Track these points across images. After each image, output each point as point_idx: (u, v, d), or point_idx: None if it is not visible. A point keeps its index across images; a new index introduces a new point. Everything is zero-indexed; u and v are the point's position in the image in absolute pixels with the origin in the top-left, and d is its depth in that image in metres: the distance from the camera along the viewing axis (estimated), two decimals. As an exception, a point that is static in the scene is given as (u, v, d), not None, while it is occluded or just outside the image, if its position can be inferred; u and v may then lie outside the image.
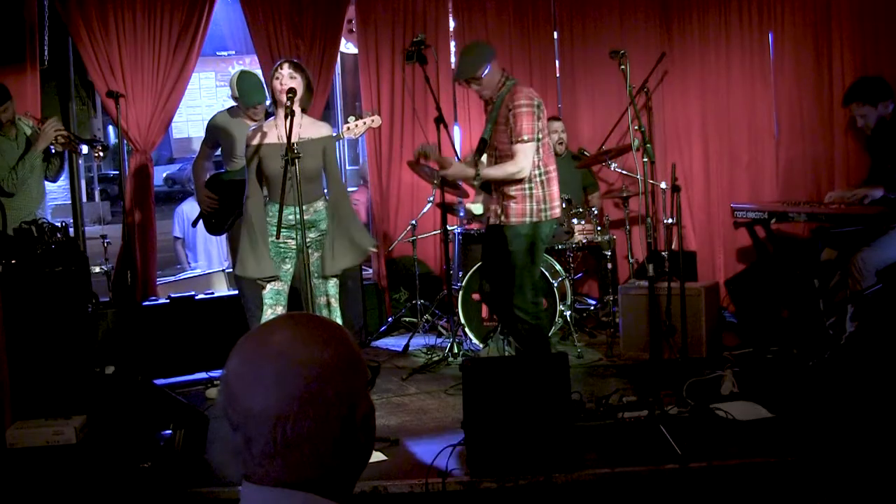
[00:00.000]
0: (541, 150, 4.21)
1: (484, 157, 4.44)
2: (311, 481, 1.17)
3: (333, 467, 1.19)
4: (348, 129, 4.41)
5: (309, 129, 4.07)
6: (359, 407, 1.21)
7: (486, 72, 4.19)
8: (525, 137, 4.09)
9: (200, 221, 5.32)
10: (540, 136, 4.18)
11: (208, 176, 5.19)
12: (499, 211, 4.28)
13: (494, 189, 4.32)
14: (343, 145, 5.93)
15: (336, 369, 1.19)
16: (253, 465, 1.17)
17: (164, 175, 19.43)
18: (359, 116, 4.53)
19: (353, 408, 1.20)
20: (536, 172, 4.20)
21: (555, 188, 4.27)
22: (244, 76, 5.07)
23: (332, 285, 4.17)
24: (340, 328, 1.26)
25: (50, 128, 4.96)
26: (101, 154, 5.15)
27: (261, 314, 4.16)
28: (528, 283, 4.26)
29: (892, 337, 4.50)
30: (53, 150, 5.13)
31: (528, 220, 4.20)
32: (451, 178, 4.47)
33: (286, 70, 4.02)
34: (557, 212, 4.31)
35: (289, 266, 4.17)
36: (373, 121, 4.47)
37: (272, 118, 4.19)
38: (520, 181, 4.17)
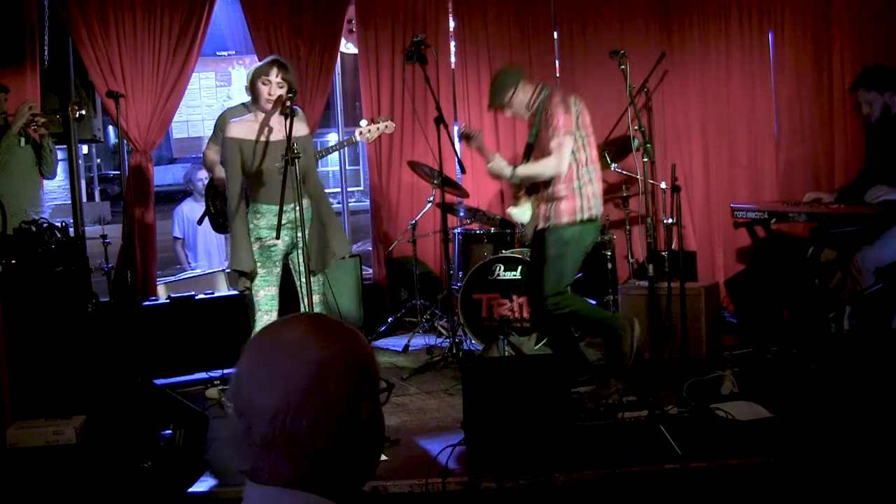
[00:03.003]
0: (587, 148, 4.28)
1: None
2: (312, 479, 1.18)
3: (333, 466, 1.19)
4: (361, 133, 4.41)
5: (279, 129, 4.03)
6: (363, 408, 1.21)
7: (512, 97, 4.34)
8: (561, 131, 4.17)
9: (206, 220, 5.31)
10: (584, 132, 4.26)
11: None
12: (548, 213, 4.33)
13: (543, 193, 4.38)
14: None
15: (339, 367, 1.20)
16: (253, 456, 1.18)
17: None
18: (371, 121, 4.52)
19: (355, 407, 1.20)
20: (585, 169, 4.28)
21: (600, 185, 4.36)
22: None
23: (318, 284, 4.19)
24: (353, 331, 1.27)
25: (23, 107, 4.97)
26: (83, 112, 5.16)
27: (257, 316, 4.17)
28: (559, 283, 4.31)
29: (890, 336, 4.50)
30: (38, 136, 5.12)
31: (578, 217, 4.26)
32: (490, 171, 4.53)
33: (276, 77, 3.97)
34: (601, 209, 4.38)
35: (278, 269, 4.16)
36: (387, 126, 4.46)
37: (249, 115, 4.18)
38: (567, 180, 4.24)
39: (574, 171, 4.25)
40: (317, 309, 4.08)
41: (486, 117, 6.67)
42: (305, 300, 4.04)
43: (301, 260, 3.97)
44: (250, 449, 1.18)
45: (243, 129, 4.05)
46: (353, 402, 1.20)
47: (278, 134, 4.02)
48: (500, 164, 4.38)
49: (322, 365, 1.19)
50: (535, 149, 4.41)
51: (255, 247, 4.10)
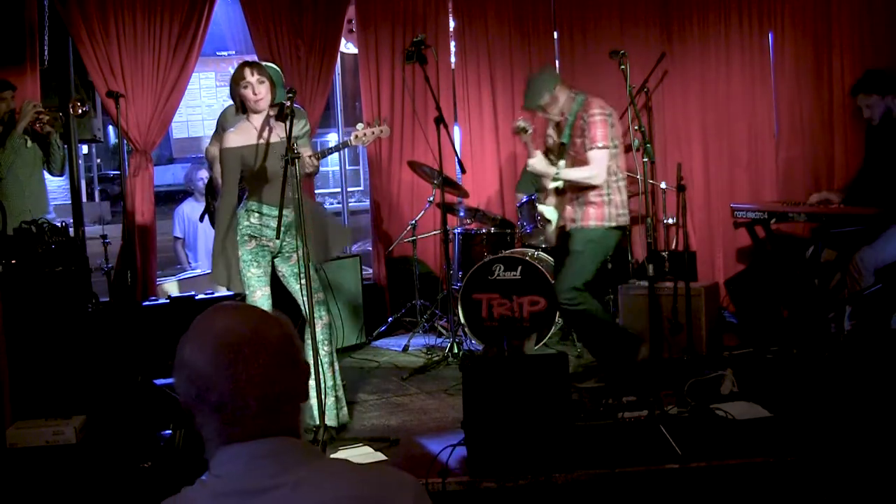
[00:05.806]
0: (618, 157, 4.45)
1: (562, 163, 4.60)
2: (268, 427, 1.35)
3: (281, 408, 1.37)
4: (356, 137, 4.40)
5: (277, 129, 4.00)
6: (300, 357, 1.40)
7: (547, 100, 4.44)
8: (599, 144, 4.34)
9: (206, 217, 5.31)
10: (616, 142, 4.41)
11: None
12: (574, 216, 4.50)
13: (571, 195, 4.53)
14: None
15: (273, 323, 1.39)
16: (236, 425, 1.37)
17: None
18: (368, 124, 4.52)
19: (295, 354, 1.39)
20: (614, 178, 4.44)
21: (626, 195, 4.52)
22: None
23: (315, 282, 4.15)
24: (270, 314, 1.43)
25: (28, 105, 4.96)
26: (85, 109, 5.14)
27: None
28: (577, 278, 4.45)
29: (890, 336, 4.50)
30: (43, 132, 5.11)
31: (605, 224, 4.44)
32: (533, 169, 4.63)
33: (253, 77, 3.92)
34: (628, 218, 4.56)
35: (270, 268, 4.11)
36: (381, 131, 4.45)
37: (242, 122, 4.13)
38: (598, 187, 4.40)
39: (605, 181, 4.41)
40: (316, 308, 4.05)
41: (485, 117, 6.67)
42: (306, 301, 4.00)
43: (298, 261, 3.94)
44: (231, 422, 1.36)
45: (240, 137, 4.03)
46: (290, 350, 1.37)
47: (276, 135, 4.00)
48: (544, 163, 4.57)
49: (259, 320, 1.36)
50: (568, 150, 4.53)
51: (251, 245, 4.05)
